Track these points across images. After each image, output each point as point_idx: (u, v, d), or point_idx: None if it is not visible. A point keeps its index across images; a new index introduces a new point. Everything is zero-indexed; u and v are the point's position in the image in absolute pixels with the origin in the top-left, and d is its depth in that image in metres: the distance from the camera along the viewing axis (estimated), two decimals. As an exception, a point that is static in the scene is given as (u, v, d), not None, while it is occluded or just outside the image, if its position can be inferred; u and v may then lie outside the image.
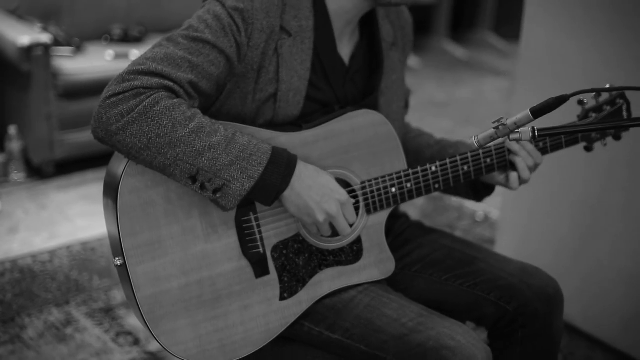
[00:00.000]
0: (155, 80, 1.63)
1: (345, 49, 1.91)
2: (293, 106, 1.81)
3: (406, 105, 2.09)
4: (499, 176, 1.96)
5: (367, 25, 1.95)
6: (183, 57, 1.67)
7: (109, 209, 1.73)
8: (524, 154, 1.91)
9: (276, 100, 1.79)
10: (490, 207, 4.05)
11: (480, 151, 1.91)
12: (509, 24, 7.36)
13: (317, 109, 1.86)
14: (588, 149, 2.01)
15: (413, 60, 6.69)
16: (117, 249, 1.70)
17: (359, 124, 1.84)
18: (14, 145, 4.21)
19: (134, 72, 1.65)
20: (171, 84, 1.65)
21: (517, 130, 1.61)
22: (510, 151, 1.92)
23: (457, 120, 5.50)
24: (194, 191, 1.66)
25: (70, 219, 3.86)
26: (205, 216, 1.72)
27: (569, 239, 3.00)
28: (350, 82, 1.92)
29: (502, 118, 1.64)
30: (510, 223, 3.24)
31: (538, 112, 1.60)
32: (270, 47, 1.77)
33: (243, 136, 1.66)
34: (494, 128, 1.62)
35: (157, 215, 1.69)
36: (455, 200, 4.16)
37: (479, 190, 2.05)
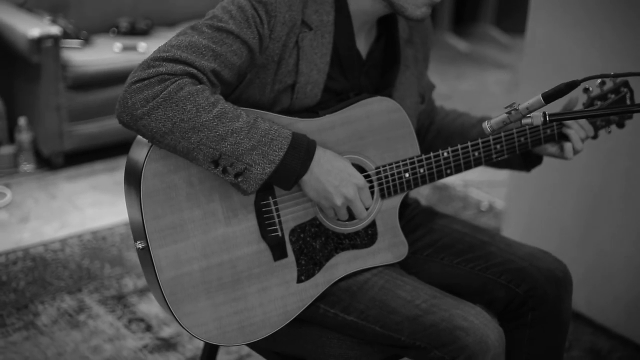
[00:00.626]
0: (179, 67, 1.68)
1: (362, 45, 1.95)
2: (310, 98, 1.85)
3: (423, 101, 2.12)
4: (551, 148, 2.02)
5: (385, 23, 1.99)
6: (207, 46, 1.72)
7: (131, 194, 1.77)
8: (576, 127, 1.98)
9: (294, 92, 1.83)
10: (495, 197, 4.10)
11: (502, 134, 1.95)
12: (511, 17, 7.39)
13: (333, 98, 1.90)
14: (593, 136, 2.06)
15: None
16: (140, 232, 1.74)
17: (374, 111, 1.88)
18: (24, 137, 4.24)
19: (159, 58, 1.69)
20: (195, 71, 1.69)
21: (528, 115, 1.67)
22: (562, 124, 1.98)
23: (460, 112, 5.54)
24: (216, 175, 1.71)
25: (80, 208, 3.91)
26: (225, 200, 1.77)
27: (572, 227, 3.04)
28: (365, 76, 1.96)
29: (514, 103, 1.68)
30: (515, 212, 3.28)
31: (549, 97, 1.65)
32: (291, 40, 1.81)
33: (264, 122, 1.71)
34: (506, 113, 1.67)
35: (179, 198, 1.74)
36: (460, 190, 4.21)
37: (530, 159, 2.10)
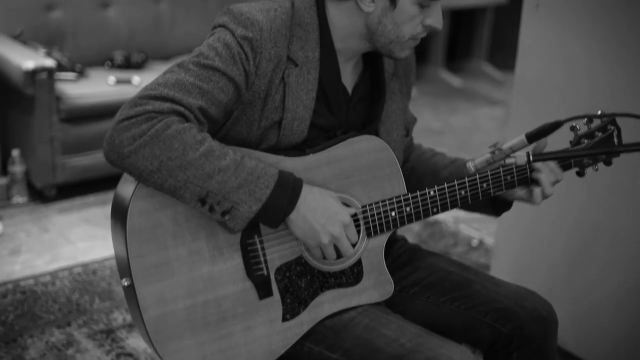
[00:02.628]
0: (166, 105, 1.69)
1: (348, 79, 1.97)
2: (297, 134, 1.86)
3: (407, 134, 2.15)
4: (520, 191, 2.00)
5: (370, 57, 2.01)
6: (193, 83, 1.73)
7: (117, 231, 1.78)
8: (546, 171, 1.96)
9: (280, 128, 1.85)
10: (485, 233, 4.11)
11: (488, 172, 1.95)
12: (503, 53, 7.43)
13: (320, 135, 1.91)
14: (580, 174, 2.06)
15: (409, 89, 6.75)
16: (125, 270, 1.75)
17: (361, 149, 1.90)
18: (17, 169, 4.25)
19: (146, 96, 1.71)
20: (182, 108, 1.71)
21: (512, 155, 1.68)
22: (532, 169, 1.96)
23: (452, 148, 5.56)
24: (203, 213, 1.72)
25: (71, 241, 3.91)
26: (211, 238, 1.78)
27: (561, 264, 3.04)
28: (353, 111, 1.97)
29: (497, 143, 1.70)
30: (504, 249, 3.28)
31: (533, 137, 1.66)
32: (277, 76, 1.83)
33: (251, 160, 1.72)
34: (490, 152, 1.69)
35: (165, 237, 1.74)
36: (450, 226, 4.21)
37: (498, 205, 2.08)
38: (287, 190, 1.73)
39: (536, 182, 1.98)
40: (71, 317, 3.21)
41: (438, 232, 4.17)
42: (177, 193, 1.69)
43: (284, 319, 1.85)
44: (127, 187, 1.77)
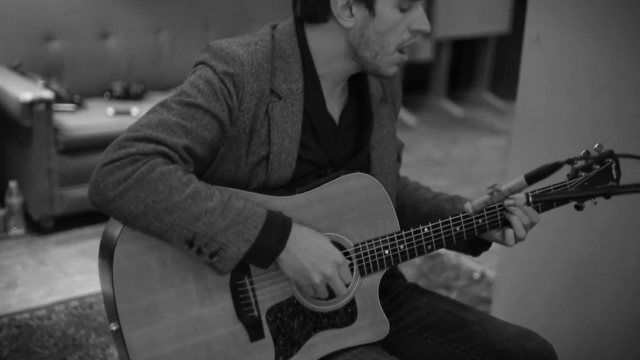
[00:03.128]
0: (150, 147, 1.67)
1: (334, 107, 1.94)
2: (285, 168, 1.83)
3: (398, 159, 2.11)
4: (495, 233, 1.96)
5: (356, 81, 1.98)
6: (177, 123, 1.71)
7: (104, 271, 1.75)
8: (519, 213, 1.92)
9: (268, 163, 1.81)
10: (487, 266, 4.06)
11: (496, 206, 1.91)
12: (505, 83, 7.42)
13: (310, 170, 1.88)
14: (579, 207, 2.02)
15: (410, 119, 6.74)
16: (113, 314, 1.71)
17: (352, 187, 1.86)
18: (14, 200, 4.23)
19: (129, 138, 1.68)
20: (166, 149, 1.68)
21: (511, 197, 1.64)
22: (506, 210, 1.93)
23: (454, 178, 5.53)
24: (190, 256, 1.68)
25: (68, 274, 3.87)
26: (200, 280, 1.74)
27: (562, 298, 3.00)
28: (341, 140, 1.94)
29: (496, 184, 1.66)
30: (506, 283, 3.24)
31: (532, 178, 1.62)
32: (261, 110, 1.80)
33: (238, 200, 1.69)
34: (488, 194, 1.65)
35: (152, 280, 1.71)
36: (453, 259, 4.17)
37: (476, 245, 2.04)
38: (276, 230, 1.70)
39: (509, 224, 1.94)
40: (66, 353, 3.17)
41: (439, 264, 4.13)
42: (163, 236, 1.66)
43: (277, 362, 1.81)
44: (114, 228, 1.75)
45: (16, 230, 4.27)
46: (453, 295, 3.76)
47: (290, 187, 1.84)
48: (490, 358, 1.93)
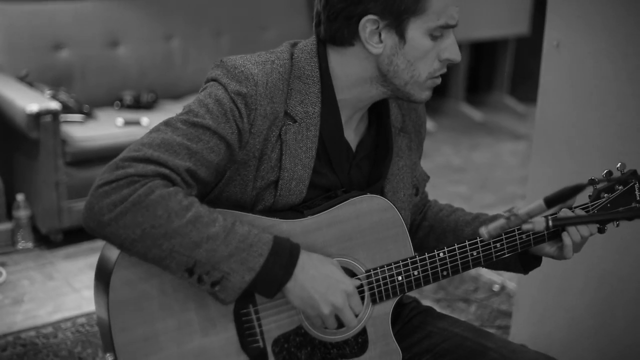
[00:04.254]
0: (150, 168, 1.57)
1: (352, 135, 1.84)
2: (295, 195, 1.73)
3: (417, 193, 2.00)
4: (549, 247, 1.88)
5: (376, 109, 1.88)
6: (181, 144, 1.61)
7: (100, 296, 1.65)
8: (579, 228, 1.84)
9: (277, 188, 1.71)
10: (507, 277, 3.95)
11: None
12: (525, 86, 7.30)
13: (320, 194, 1.78)
14: (601, 230, 1.94)
15: (429, 124, 6.62)
16: (109, 344, 1.62)
17: (363, 210, 1.76)
18: (22, 213, 4.15)
19: (128, 158, 1.58)
20: (167, 171, 1.58)
21: (529, 221, 1.54)
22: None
23: (473, 185, 5.41)
24: (191, 284, 1.58)
25: (76, 289, 3.78)
26: (202, 309, 1.64)
27: (585, 314, 2.91)
28: (356, 168, 1.84)
29: (513, 207, 1.57)
30: (527, 297, 3.16)
31: (552, 201, 1.52)
32: (273, 134, 1.70)
33: (243, 226, 1.59)
34: (505, 218, 1.54)
35: (151, 309, 1.61)
36: (472, 271, 4.06)
37: (528, 261, 1.95)
38: (283, 258, 1.59)
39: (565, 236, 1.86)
40: (72, 372, 3.09)
41: (458, 277, 4.02)
42: (162, 263, 1.56)
43: (283, 395, 1.71)
44: (112, 251, 1.65)
45: (24, 243, 4.19)
46: (472, 309, 3.67)
47: (298, 209, 1.74)
48: (508, 387, 1.83)
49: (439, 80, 1.79)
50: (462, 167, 5.89)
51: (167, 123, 1.65)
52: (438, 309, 2.05)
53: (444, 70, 1.78)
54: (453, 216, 2.05)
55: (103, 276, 1.64)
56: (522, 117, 7.20)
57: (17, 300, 3.67)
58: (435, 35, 1.70)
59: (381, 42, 1.71)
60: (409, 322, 2.00)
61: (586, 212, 1.91)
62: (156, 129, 1.65)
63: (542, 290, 3.09)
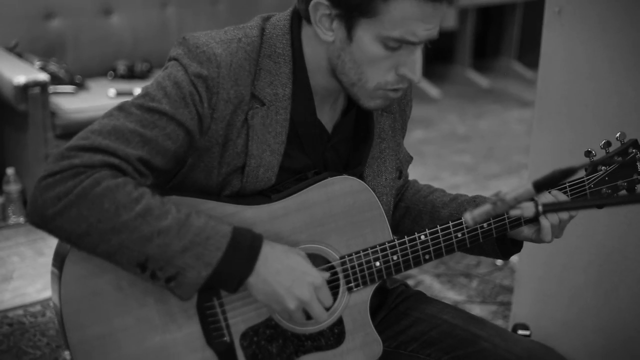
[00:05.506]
0: (98, 158, 1.45)
1: (327, 116, 1.71)
2: (263, 181, 1.62)
3: (400, 176, 1.88)
4: (525, 230, 1.76)
5: None
6: (134, 131, 1.49)
7: (54, 287, 1.54)
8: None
9: (243, 174, 1.59)
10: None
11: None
12: (534, 52, 7.14)
13: (291, 178, 1.66)
14: (599, 206, 1.81)
15: (434, 91, 6.49)
16: (65, 341, 1.51)
17: (335, 192, 1.64)
18: (12, 188, 4.08)
19: (75, 147, 1.47)
20: (117, 161, 1.46)
21: (518, 206, 1.42)
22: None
23: (478, 154, 5.28)
24: (145, 280, 1.47)
25: (66, 266, 3.69)
26: (161, 304, 1.54)
27: (588, 292, 2.83)
28: (332, 151, 1.72)
29: (499, 192, 1.44)
30: (528, 273, 3.08)
31: (542, 185, 1.40)
32: (238, 118, 1.57)
33: (199, 217, 1.47)
34: (491, 203, 1.42)
35: (106, 305, 1.51)
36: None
37: (507, 247, 1.84)
38: (243, 251, 1.48)
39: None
40: (59, 353, 3.01)
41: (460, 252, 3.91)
42: (112, 258, 1.45)
43: (254, 391, 1.61)
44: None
45: (15, 218, 4.12)
46: (474, 284, 3.57)
47: (266, 193, 1.62)
48: (499, 379, 1.72)
49: (394, 94, 1.62)
50: (468, 135, 5.75)
51: (120, 108, 1.53)
52: (438, 285, 1.94)
53: (403, 85, 1.61)
54: (430, 197, 1.93)
55: (57, 266, 1.54)
56: (530, 83, 7.05)
57: (6, 277, 3.60)
58: (390, 45, 1.53)
59: (332, 30, 1.56)
60: (395, 308, 1.89)
61: (581, 187, 1.80)
62: (109, 114, 1.53)
63: (544, 267, 3.01)
